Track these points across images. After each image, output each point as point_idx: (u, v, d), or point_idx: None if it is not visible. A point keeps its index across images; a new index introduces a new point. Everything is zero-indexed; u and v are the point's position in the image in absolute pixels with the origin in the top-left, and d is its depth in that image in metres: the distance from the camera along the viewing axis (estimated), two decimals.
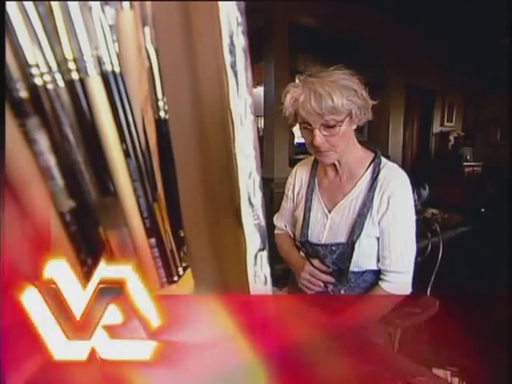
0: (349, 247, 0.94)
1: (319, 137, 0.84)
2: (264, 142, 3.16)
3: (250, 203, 0.23)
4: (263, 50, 3.02)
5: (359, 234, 0.94)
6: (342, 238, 0.96)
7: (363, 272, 0.97)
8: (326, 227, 0.98)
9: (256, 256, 0.24)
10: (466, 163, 4.75)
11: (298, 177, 1.09)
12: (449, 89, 4.53)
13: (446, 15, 3.43)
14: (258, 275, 0.25)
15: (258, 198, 0.24)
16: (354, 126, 0.89)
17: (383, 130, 3.92)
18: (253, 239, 0.24)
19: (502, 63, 3.27)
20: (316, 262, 0.91)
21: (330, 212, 0.98)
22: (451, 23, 3.60)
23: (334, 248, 0.96)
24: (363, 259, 0.94)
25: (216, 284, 0.30)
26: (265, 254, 0.25)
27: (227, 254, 0.28)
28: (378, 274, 0.98)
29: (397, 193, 0.93)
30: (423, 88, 4.24)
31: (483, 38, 3.80)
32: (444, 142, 4.89)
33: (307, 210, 1.01)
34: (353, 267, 0.96)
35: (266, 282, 0.25)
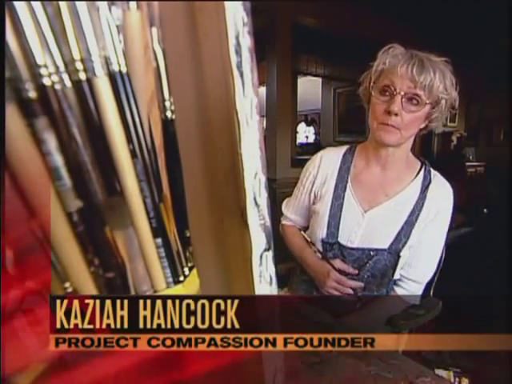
0: (391, 255, 0.91)
1: (398, 105, 0.80)
2: (266, 142, 3.16)
3: (256, 203, 0.23)
4: (266, 50, 3.02)
5: (405, 243, 0.91)
6: (382, 244, 0.91)
7: (394, 280, 0.95)
8: (361, 228, 0.92)
9: (261, 256, 0.24)
10: (468, 163, 4.74)
11: (324, 167, 1.00)
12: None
13: (447, 15, 3.42)
14: (264, 275, 0.25)
15: (263, 198, 0.24)
16: (423, 125, 0.86)
17: None
18: (258, 239, 0.24)
19: (504, 63, 3.26)
20: (338, 262, 0.85)
21: (365, 211, 0.95)
22: (451, 23, 3.59)
23: (372, 253, 0.91)
24: (399, 269, 0.92)
25: (221, 284, 0.30)
26: (270, 254, 0.25)
27: (232, 253, 0.28)
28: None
29: (444, 209, 0.91)
30: None
31: (485, 38, 3.79)
32: (447, 142, 4.88)
33: (337, 207, 0.95)
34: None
35: (271, 282, 0.25)
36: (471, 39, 3.79)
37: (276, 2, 2.78)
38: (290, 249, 0.97)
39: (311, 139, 5.53)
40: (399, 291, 0.93)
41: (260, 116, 0.23)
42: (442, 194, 0.91)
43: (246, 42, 0.22)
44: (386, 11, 3.42)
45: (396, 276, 0.92)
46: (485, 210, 4.13)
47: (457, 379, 1.52)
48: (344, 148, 1.01)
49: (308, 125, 5.55)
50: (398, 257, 0.90)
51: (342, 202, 0.94)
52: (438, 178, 0.93)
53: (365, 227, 0.91)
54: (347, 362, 0.67)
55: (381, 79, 0.83)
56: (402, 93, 0.79)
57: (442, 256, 0.93)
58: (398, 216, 0.90)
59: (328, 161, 0.99)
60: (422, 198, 0.90)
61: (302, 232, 1.02)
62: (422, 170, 0.93)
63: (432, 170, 0.94)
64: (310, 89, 4.98)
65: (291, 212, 1.02)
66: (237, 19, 0.21)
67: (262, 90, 3.24)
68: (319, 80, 4.58)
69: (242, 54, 0.22)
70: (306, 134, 5.57)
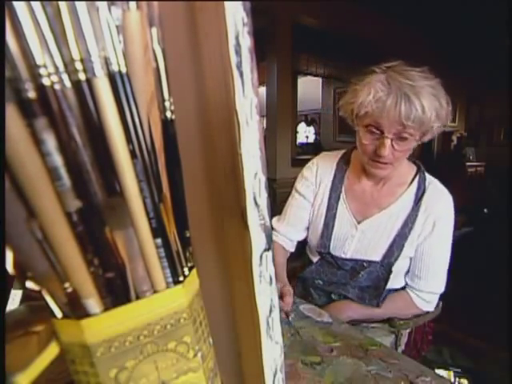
0: (384, 267, 0.89)
1: (388, 148, 0.73)
2: (266, 142, 3.17)
3: (256, 203, 0.23)
4: (266, 50, 3.02)
5: (398, 256, 0.89)
6: (374, 256, 0.90)
7: (389, 290, 0.93)
8: (354, 240, 0.90)
9: (261, 256, 0.24)
10: (468, 163, 4.75)
11: (320, 175, 0.96)
12: (451, 89, 4.53)
13: (447, 15, 3.42)
14: (264, 275, 0.25)
15: (263, 199, 0.24)
16: (416, 144, 0.79)
17: None
18: (258, 239, 0.24)
19: (504, 63, 3.26)
20: (288, 297, 0.81)
21: (358, 223, 0.90)
22: (451, 23, 3.60)
23: (365, 264, 0.90)
24: (393, 279, 0.90)
25: (221, 284, 0.30)
26: (270, 254, 0.25)
27: (232, 253, 0.28)
28: (397, 290, 0.93)
29: (443, 217, 0.85)
30: None
31: (485, 38, 3.80)
32: (447, 142, 4.89)
33: (330, 217, 0.92)
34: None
35: (271, 282, 0.25)
36: (471, 39, 3.79)
37: (276, 2, 2.78)
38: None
39: (311, 139, 5.54)
40: (421, 304, 0.91)
41: (260, 116, 0.23)
42: (438, 204, 0.85)
43: (246, 42, 0.22)
44: (385, 11, 3.43)
45: (411, 285, 0.90)
46: (485, 210, 4.14)
47: (457, 379, 1.52)
48: (338, 155, 0.97)
49: (308, 125, 5.56)
50: (391, 271, 0.88)
51: (335, 212, 0.91)
52: (433, 186, 0.87)
53: (358, 239, 0.90)
54: (347, 362, 0.67)
55: (366, 119, 0.76)
56: (391, 135, 0.74)
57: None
58: (390, 228, 0.87)
59: (323, 169, 0.96)
60: (416, 209, 0.85)
61: (284, 248, 0.99)
62: (416, 178, 0.88)
63: (428, 176, 0.89)
64: (310, 89, 4.98)
65: (284, 224, 0.98)
66: (237, 19, 0.21)
67: (262, 90, 3.25)
68: (319, 80, 4.59)
69: (242, 54, 0.22)
70: (306, 134, 5.58)
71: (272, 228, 0.94)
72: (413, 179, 0.89)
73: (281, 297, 0.78)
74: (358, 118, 0.78)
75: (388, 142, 0.73)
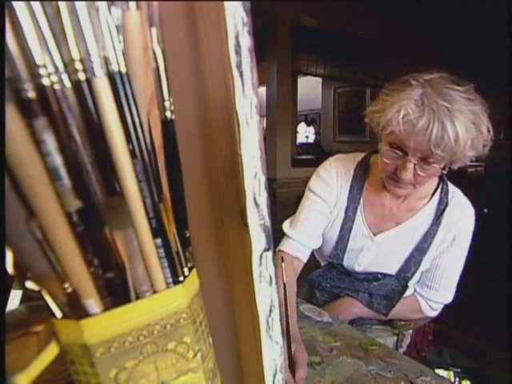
0: (399, 281, 0.85)
1: (410, 172, 0.67)
2: (266, 142, 3.17)
3: (256, 203, 0.23)
4: (266, 50, 3.02)
5: (415, 271, 0.84)
6: (389, 269, 0.85)
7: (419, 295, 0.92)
8: (370, 252, 0.86)
9: (261, 256, 0.24)
10: (468, 163, 4.75)
11: (340, 183, 0.87)
12: None
13: (447, 15, 3.42)
14: (263, 275, 0.25)
15: (263, 198, 0.24)
16: (444, 171, 0.72)
17: None
18: (258, 239, 0.24)
19: (504, 63, 3.26)
20: (301, 372, 0.59)
21: (375, 235, 0.85)
22: (451, 23, 3.60)
23: (379, 276, 0.86)
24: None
25: (221, 284, 0.30)
26: (270, 254, 0.25)
27: (232, 253, 0.28)
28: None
29: (463, 231, 0.81)
30: None
31: (485, 38, 3.80)
32: None
33: (346, 229, 0.86)
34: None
35: (271, 282, 0.25)
36: (471, 39, 3.79)
37: (276, 2, 2.78)
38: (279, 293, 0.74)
39: (311, 139, 5.53)
40: (429, 313, 0.90)
41: (260, 116, 0.23)
42: (460, 219, 0.81)
43: (246, 42, 0.22)
44: (385, 11, 3.43)
45: (420, 293, 0.88)
46: (485, 210, 4.13)
47: (457, 379, 1.52)
48: (356, 160, 0.88)
49: (308, 125, 5.56)
50: (407, 286, 0.85)
51: (351, 225, 0.85)
52: (456, 200, 0.82)
53: (374, 251, 0.85)
54: (347, 362, 0.67)
55: (391, 137, 0.67)
56: (416, 159, 0.67)
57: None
58: (408, 242, 0.83)
59: (342, 176, 0.87)
60: (436, 224, 0.80)
61: (296, 267, 0.84)
62: (438, 190, 0.83)
63: (451, 188, 0.83)
64: (310, 89, 4.98)
65: (300, 229, 0.85)
66: (237, 19, 0.21)
67: (262, 90, 3.25)
68: (319, 80, 4.59)
69: (242, 54, 0.22)
70: (306, 134, 5.57)
71: (284, 234, 0.89)
72: (434, 191, 0.84)
73: (290, 366, 0.58)
74: (382, 132, 0.71)
75: (411, 165, 0.67)
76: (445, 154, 0.63)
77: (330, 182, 0.86)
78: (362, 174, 0.87)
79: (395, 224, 0.84)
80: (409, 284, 0.85)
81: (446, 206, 0.81)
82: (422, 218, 0.82)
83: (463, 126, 0.61)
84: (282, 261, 0.67)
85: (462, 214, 0.82)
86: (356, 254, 0.86)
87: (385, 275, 0.85)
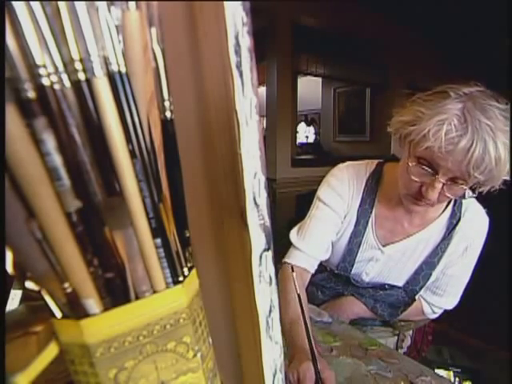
0: (406, 293, 0.84)
1: (437, 192, 0.62)
2: (266, 142, 3.16)
3: (256, 203, 0.23)
4: (266, 50, 3.02)
5: (423, 285, 0.82)
6: (397, 281, 0.84)
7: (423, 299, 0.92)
8: (378, 264, 0.84)
9: (261, 256, 0.24)
10: None
11: (352, 193, 0.83)
12: None
13: (446, 15, 3.42)
14: (263, 275, 0.25)
15: (263, 198, 0.24)
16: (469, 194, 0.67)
17: (385, 130, 3.94)
18: (258, 239, 0.24)
19: (504, 63, 3.26)
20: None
21: (383, 246, 0.83)
22: (451, 23, 3.60)
23: (386, 287, 0.85)
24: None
25: (221, 284, 0.30)
26: (270, 254, 0.25)
27: (232, 253, 0.28)
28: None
29: (475, 243, 0.79)
30: (425, 87, 4.25)
31: (485, 38, 3.79)
32: None
33: (355, 244, 0.83)
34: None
35: (270, 283, 0.25)
36: (471, 39, 3.79)
37: (276, 2, 2.78)
38: (282, 310, 0.63)
39: (311, 139, 5.53)
40: (430, 316, 0.90)
41: (260, 116, 0.23)
42: (472, 231, 0.78)
43: (246, 41, 0.22)
44: (386, 11, 3.42)
45: (424, 297, 0.87)
46: (485, 210, 4.12)
47: (457, 379, 1.52)
48: (368, 169, 0.84)
49: (308, 125, 5.56)
50: (414, 298, 0.83)
51: (361, 239, 0.82)
52: (470, 213, 0.79)
53: (382, 262, 0.83)
54: (347, 362, 0.67)
55: (423, 152, 0.61)
56: (446, 179, 0.62)
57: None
58: (418, 255, 0.81)
59: (353, 186, 0.83)
60: (448, 238, 0.77)
61: (303, 276, 0.80)
62: (451, 203, 0.79)
63: (465, 200, 0.76)
64: (309, 89, 4.98)
65: (308, 239, 0.81)
66: (236, 19, 0.21)
67: (262, 90, 3.25)
68: (319, 80, 4.59)
69: (242, 53, 0.22)
70: (306, 134, 5.57)
71: (291, 244, 0.87)
72: (447, 204, 0.80)
73: None
74: (411, 145, 0.64)
75: (439, 185, 0.61)
76: (482, 176, 0.58)
77: (342, 192, 0.82)
78: (374, 186, 0.83)
79: (405, 236, 0.82)
80: (416, 297, 0.84)
81: (458, 220, 0.78)
82: (433, 231, 0.80)
83: (504, 147, 0.56)
84: (293, 271, 0.63)
85: (474, 226, 0.80)
86: (364, 264, 0.85)
87: (392, 286, 0.84)
